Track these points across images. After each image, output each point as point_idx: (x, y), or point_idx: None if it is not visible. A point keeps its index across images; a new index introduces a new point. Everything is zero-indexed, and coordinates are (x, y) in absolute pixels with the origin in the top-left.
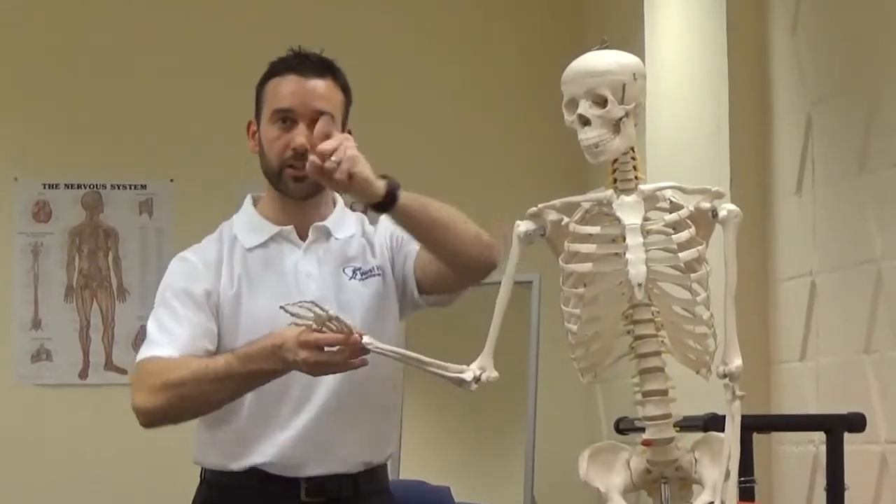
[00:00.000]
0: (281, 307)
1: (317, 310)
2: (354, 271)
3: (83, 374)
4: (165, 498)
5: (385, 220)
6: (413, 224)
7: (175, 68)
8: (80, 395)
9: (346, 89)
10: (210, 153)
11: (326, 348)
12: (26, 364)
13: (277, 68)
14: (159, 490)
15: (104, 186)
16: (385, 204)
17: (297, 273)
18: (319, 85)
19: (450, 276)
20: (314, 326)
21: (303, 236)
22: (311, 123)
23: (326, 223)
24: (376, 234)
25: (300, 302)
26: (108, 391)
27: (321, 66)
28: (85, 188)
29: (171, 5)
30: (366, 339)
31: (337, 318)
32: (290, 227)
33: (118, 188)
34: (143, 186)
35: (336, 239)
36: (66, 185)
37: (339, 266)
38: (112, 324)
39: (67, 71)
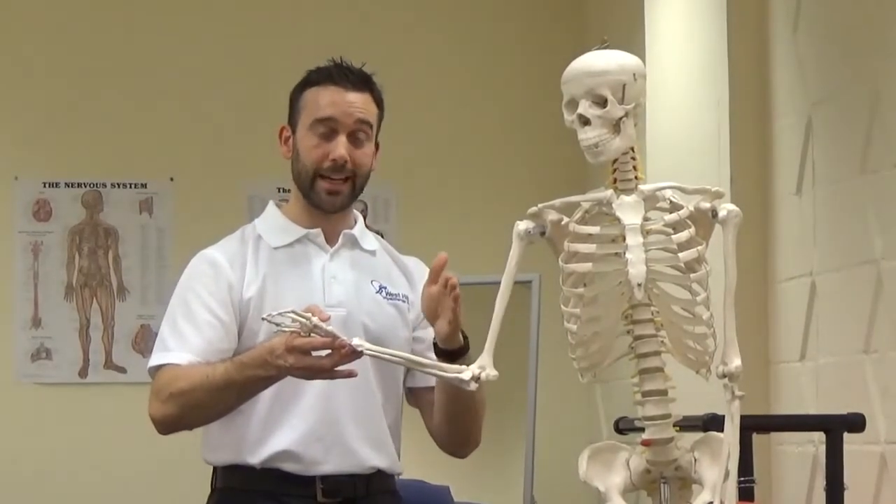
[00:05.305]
0: (263, 318)
1: (300, 318)
2: (381, 288)
3: (83, 372)
4: (166, 496)
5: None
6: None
7: (175, 67)
8: (79, 394)
9: (380, 104)
10: (210, 152)
11: (314, 353)
12: (26, 363)
13: (317, 78)
14: (160, 488)
15: (104, 185)
16: (457, 352)
17: (324, 275)
18: (358, 98)
19: (435, 422)
20: (302, 333)
21: (329, 241)
22: (351, 134)
23: (354, 232)
24: (416, 274)
25: (281, 311)
26: (107, 390)
27: (361, 80)
28: (85, 187)
29: (171, 5)
30: (356, 342)
31: (320, 326)
32: (317, 230)
33: (118, 187)
34: (144, 185)
35: (362, 250)
36: (66, 183)
37: (366, 276)
38: (112, 323)
39: (67, 70)
